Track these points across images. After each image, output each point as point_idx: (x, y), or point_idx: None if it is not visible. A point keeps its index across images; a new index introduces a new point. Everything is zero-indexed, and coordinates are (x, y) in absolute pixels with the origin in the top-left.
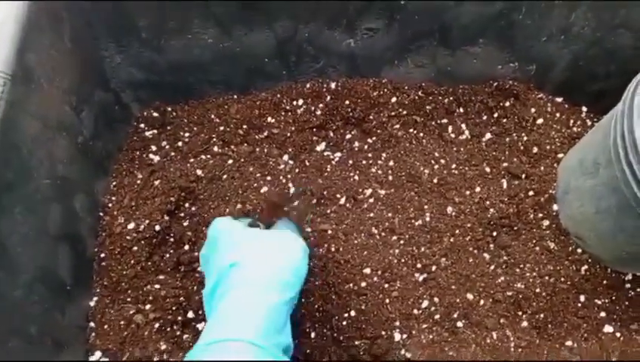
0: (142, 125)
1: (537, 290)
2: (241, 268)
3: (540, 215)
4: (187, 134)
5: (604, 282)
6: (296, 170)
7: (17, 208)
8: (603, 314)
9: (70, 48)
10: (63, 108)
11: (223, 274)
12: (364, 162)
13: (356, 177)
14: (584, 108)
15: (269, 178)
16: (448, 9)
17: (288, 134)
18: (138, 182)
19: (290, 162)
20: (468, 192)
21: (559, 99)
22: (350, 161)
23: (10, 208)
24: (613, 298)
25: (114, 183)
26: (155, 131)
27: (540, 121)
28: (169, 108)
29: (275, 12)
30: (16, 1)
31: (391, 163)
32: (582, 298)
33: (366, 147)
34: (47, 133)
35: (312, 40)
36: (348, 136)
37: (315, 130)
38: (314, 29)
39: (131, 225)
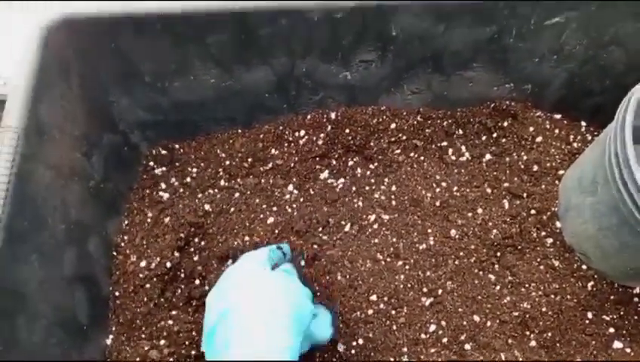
0: (151, 163)
1: (544, 309)
2: (237, 315)
3: (543, 233)
4: (195, 170)
5: (612, 297)
6: (301, 199)
7: (34, 255)
8: (612, 329)
9: (79, 96)
10: (75, 154)
11: (221, 316)
12: (367, 188)
13: (360, 203)
14: (583, 123)
15: (275, 208)
16: (438, 37)
17: (292, 164)
18: (149, 220)
19: (295, 192)
20: (470, 214)
21: (557, 116)
22: (353, 188)
23: (27, 256)
24: (622, 313)
25: (125, 222)
26: (164, 168)
27: (539, 138)
28: (176, 146)
29: (271, 50)
30: (26, 57)
31: (393, 188)
32: (589, 314)
33: (368, 173)
34: (60, 180)
35: (310, 74)
36: (350, 163)
37: (317, 159)
38: (310, 63)
39: (143, 263)
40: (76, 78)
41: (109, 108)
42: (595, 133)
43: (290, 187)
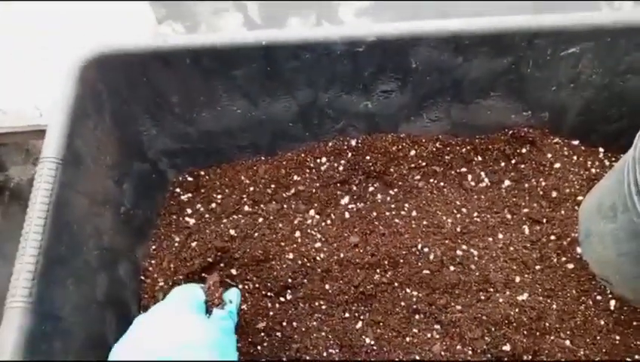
0: (177, 190)
1: (565, 334)
2: None
3: (564, 259)
4: (220, 196)
5: (634, 323)
6: (322, 224)
7: (70, 280)
8: (637, 357)
9: (111, 127)
10: (107, 182)
11: None
12: (387, 213)
13: (381, 228)
14: (601, 150)
15: (297, 233)
16: (458, 67)
17: (314, 190)
18: (176, 245)
19: (317, 216)
20: (491, 239)
21: (575, 143)
22: (374, 213)
23: (64, 281)
24: None
25: (153, 247)
26: (190, 195)
27: (557, 165)
28: (202, 173)
29: (295, 82)
30: (63, 91)
31: (414, 213)
32: (617, 339)
33: (388, 199)
34: (94, 207)
35: (332, 104)
36: (370, 189)
37: (338, 185)
38: (333, 94)
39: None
40: (109, 110)
41: (139, 138)
42: (613, 159)
43: (312, 212)
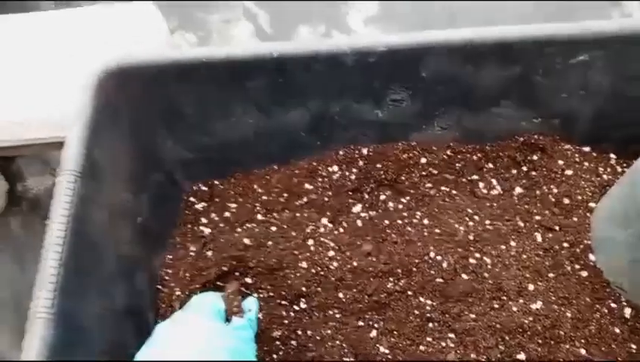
0: (192, 199)
1: (580, 343)
2: None
3: (577, 266)
4: (233, 205)
5: None
6: (335, 232)
7: (90, 290)
8: None
9: (128, 139)
10: (125, 193)
11: None
12: (399, 222)
13: (393, 235)
14: (612, 156)
15: (310, 242)
16: (468, 75)
17: (326, 199)
18: (192, 254)
19: (329, 225)
20: (503, 247)
21: (586, 149)
22: (386, 221)
23: (84, 291)
24: None
25: (170, 257)
26: (205, 204)
27: (568, 171)
28: (216, 182)
29: (307, 93)
30: (82, 104)
31: (426, 221)
32: (633, 347)
33: (400, 207)
34: (113, 219)
35: (343, 114)
36: (382, 197)
37: (350, 193)
38: (344, 104)
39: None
40: (126, 122)
41: (155, 149)
42: (625, 165)
43: (324, 220)
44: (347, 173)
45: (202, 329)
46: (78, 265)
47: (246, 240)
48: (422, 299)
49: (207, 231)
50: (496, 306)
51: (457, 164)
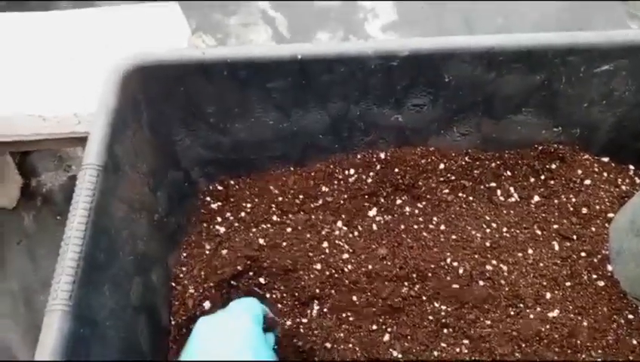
0: (207, 198)
1: (596, 353)
2: None
3: (595, 276)
4: (249, 205)
5: None
6: (350, 235)
7: (107, 285)
8: None
9: (148, 136)
10: (144, 190)
11: None
12: (415, 227)
13: (409, 241)
14: (631, 167)
15: (325, 244)
16: (490, 82)
17: (341, 202)
18: (207, 252)
19: (344, 228)
20: (521, 254)
21: (605, 159)
22: (402, 226)
23: (101, 286)
24: None
25: (184, 255)
26: (220, 203)
27: (587, 181)
28: (232, 182)
29: (328, 95)
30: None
31: (442, 227)
32: None
33: (417, 212)
34: (131, 214)
35: (363, 117)
36: (398, 202)
37: (366, 197)
38: (364, 107)
39: (201, 294)
40: (147, 119)
41: (173, 147)
42: None
43: (340, 223)
44: (364, 177)
45: (243, 328)
46: (97, 258)
47: (261, 241)
48: (437, 305)
49: (222, 230)
50: (513, 313)
51: (475, 171)
